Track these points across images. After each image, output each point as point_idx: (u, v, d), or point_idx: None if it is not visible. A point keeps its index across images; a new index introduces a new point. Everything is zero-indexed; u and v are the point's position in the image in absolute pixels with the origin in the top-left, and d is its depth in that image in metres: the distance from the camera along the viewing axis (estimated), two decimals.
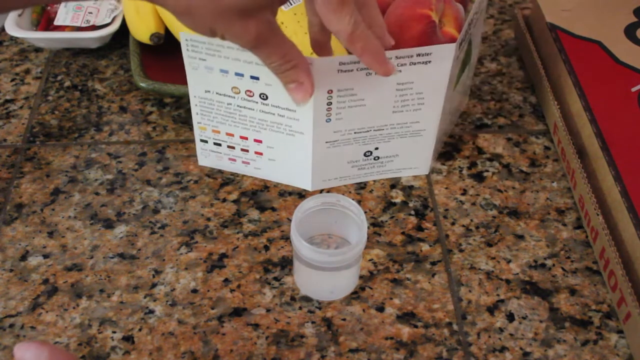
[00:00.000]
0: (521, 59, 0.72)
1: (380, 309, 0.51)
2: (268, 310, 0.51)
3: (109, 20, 0.70)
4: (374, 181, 0.60)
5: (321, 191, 0.59)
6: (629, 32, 0.64)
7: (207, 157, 0.60)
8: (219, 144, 0.58)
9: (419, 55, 0.50)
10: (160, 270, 0.53)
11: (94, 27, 0.70)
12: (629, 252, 0.50)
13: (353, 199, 0.52)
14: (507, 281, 0.53)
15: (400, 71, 0.50)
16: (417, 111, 0.54)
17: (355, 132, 0.55)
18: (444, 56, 0.51)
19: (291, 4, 0.60)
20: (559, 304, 0.51)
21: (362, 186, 0.59)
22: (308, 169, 0.57)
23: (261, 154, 0.57)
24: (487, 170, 0.61)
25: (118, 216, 0.57)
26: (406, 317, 0.51)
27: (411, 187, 0.59)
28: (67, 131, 0.64)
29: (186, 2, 0.39)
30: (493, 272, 0.53)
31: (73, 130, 0.64)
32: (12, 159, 0.62)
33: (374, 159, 0.58)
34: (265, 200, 0.58)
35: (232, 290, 0.52)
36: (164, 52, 0.66)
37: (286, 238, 0.55)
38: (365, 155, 0.57)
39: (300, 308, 0.51)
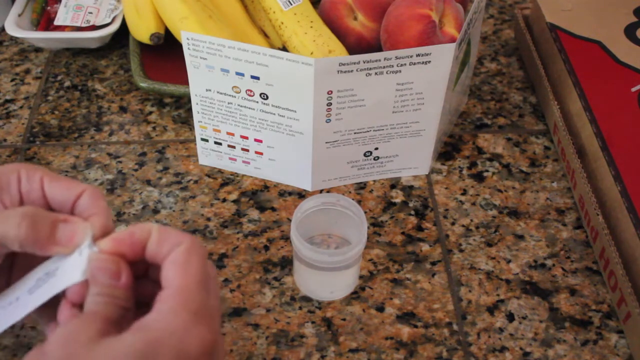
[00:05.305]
0: (521, 59, 0.72)
1: (380, 309, 0.51)
2: (268, 310, 0.51)
3: (109, 20, 0.70)
4: (374, 181, 0.60)
5: (321, 191, 0.59)
6: (629, 32, 0.64)
7: (207, 157, 0.60)
8: (220, 143, 0.58)
9: (418, 55, 0.50)
10: None
11: (94, 27, 0.70)
12: (629, 252, 0.50)
13: (353, 199, 0.52)
14: (507, 281, 0.53)
15: None
16: (417, 111, 0.54)
17: (355, 132, 0.55)
18: (443, 56, 0.51)
19: (291, 4, 0.60)
20: (559, 304, 0.51)
21: (362, 186, 0.59)
22: (308, 169, 0.57)
23: (261, 153, 0.57)
24: (487, 170, 0.61)
25: (118, 216, 0.57)
26: (406, 317, 0.51)
27: (411, 187, 0.59)
28: (67, 131, 0.64)
29: None
30: (493, 272, 0.53)
31: (73, 130, 0.64)
32: (12, 159, 0.62)
33: (374, 159, 0.58)
34: (265, 200, 0.58)
35: (232, 290, 0.52)
36: (164, 52, 0.66)
37: (286, 238, 0.55)
38: (365, 155, 0.57)
39: (300, 308, 0.51)
